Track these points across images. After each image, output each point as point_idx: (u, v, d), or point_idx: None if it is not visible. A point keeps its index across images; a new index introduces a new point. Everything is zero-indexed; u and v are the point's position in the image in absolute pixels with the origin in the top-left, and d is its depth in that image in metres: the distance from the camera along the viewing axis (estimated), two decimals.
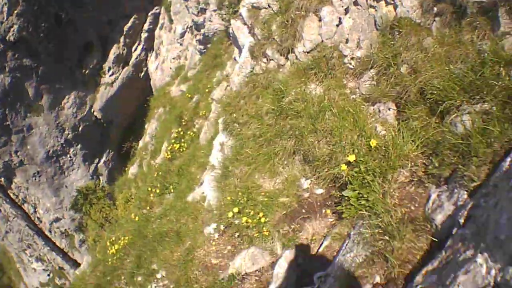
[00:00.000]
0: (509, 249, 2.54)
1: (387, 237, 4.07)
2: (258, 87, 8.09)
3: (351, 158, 4.97)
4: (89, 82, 23.46)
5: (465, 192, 3.80)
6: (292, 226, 6.09)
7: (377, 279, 3.89)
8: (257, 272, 6.21)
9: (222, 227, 7.54)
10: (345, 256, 4.54)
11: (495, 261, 2.60)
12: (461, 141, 4.11)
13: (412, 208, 4.40)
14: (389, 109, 5.87)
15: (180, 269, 8.01)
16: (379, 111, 5.95)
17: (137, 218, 13.28)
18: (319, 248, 5.49)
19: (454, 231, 3.53)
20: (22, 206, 21.95)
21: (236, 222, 7.00)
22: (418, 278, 3.40)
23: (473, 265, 2.72)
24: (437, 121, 4.84)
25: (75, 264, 22.31)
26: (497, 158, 3.72)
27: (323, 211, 5.89)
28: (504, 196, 2.89)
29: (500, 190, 3.09)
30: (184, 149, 14.56)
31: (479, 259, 2.73)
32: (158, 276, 9.18)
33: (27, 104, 20.42)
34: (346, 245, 4.73)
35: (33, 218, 22.51)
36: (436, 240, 3.80)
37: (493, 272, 2.54)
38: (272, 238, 6.40)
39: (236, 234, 7.15)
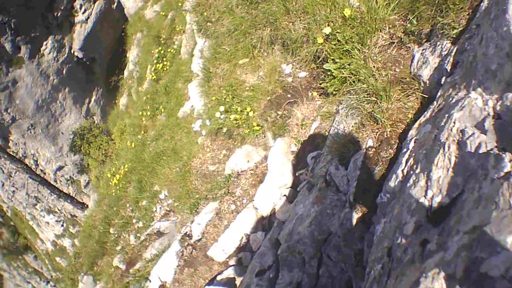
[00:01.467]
0: (503, 76, 2.36)
1: (374, 98, 3.89)
2: None
3: (327, 30, 4.72)
4: (64, 24, 22.61)
5: (448, 41, 3.61)
6: (280, 112, 5.91)
7: (370, 142, 3.75)
8: (252, 166, 6.13)
9: (207, 123, 7.38)
10: (336, 129, 4.39)
11: (490, 93, 2.44)
12: None
13: (397, 70, 4.22)
14: None
15: (180, 184, 7.98)
16: None
17: (133, 145, 13.24)
18: (310, 131, 5.34)
19: (443, 80, 3.35)
20: (24, 161, 21.89)
21: (225, 122, 6.82)
22: (412, 132, 3.27)
23: (467, 100, 2.55)
24: None
25: (85, 208, 22.52)
26: (475, 3, 3.48)
27: (310, 94, 5.69)
28: (488, 28, 2.67)
29: (484, 26, 2.86)
30: (167, 67, 14.18)
31: (473, 94, 2.56)
32: (161, 196, 9.21)
33: (7, 60, 19.86)
34: (336, 119, 4.57)
35: (37, 172, 22.48)
36: (426, 96, 3.63)
37: (490, 103, 2.38)
38: (263, 133, 6.26)
39: (228, 135, 7.01)
